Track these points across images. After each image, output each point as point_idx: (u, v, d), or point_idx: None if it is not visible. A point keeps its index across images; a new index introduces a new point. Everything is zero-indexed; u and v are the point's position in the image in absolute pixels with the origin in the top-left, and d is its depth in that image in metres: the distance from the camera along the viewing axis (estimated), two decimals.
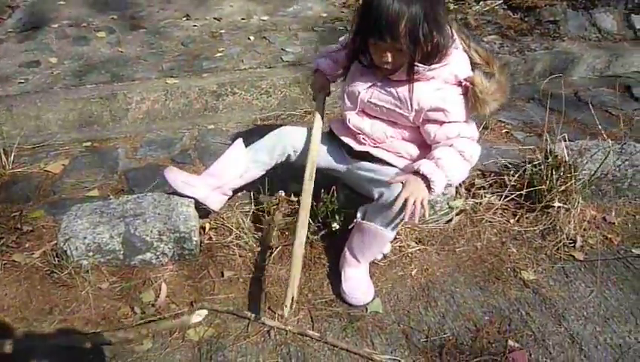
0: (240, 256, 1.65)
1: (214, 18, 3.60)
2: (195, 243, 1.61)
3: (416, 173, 1.38)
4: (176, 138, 2.34)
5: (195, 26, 3.46)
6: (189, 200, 1.67)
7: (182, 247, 1.60)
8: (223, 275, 1.60)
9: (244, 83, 2.75)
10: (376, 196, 1.43)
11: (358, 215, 1.52)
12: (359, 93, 1.52)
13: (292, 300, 1.34)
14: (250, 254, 1.66)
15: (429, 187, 1.37)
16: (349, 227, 1.55)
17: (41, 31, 3.29)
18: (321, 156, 1.63)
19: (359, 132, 1.57)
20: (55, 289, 1.51)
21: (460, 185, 1.90)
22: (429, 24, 1.29)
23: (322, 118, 1.68)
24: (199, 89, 2.70)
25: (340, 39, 1.73)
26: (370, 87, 1.50)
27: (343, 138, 1.62)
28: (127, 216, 1.60)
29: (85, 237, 1.52)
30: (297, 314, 1.48)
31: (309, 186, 1.52)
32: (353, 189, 1.68)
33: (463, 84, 1.45)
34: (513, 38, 3.48)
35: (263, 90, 2.76)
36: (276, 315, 1.47)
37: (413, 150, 1.54)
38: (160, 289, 1.52)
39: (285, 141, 1.68)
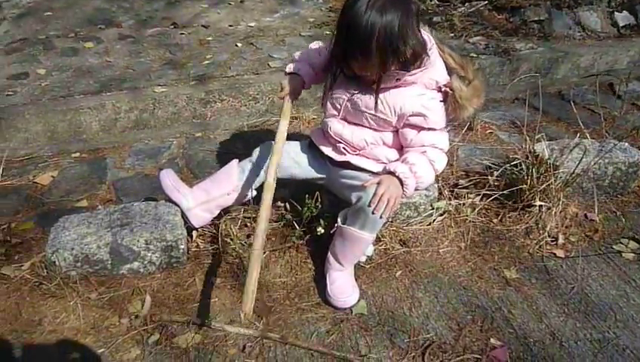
0: (227, 263, 1.68)
1: (202, 26, 3.63)
2: (182, 251, 1.63)
3: (391, 173, 1.44)
4: (164, 147, 2.36)
5: (182, 34, 3.49)
6: (176, 209, 1.69)
7: (169, 256, 1.63)
8: (211, 283, 1.62)
9: (232, 90, 2.78)
10: (354, 200, 1.47)
11: (339, 219, 1.55)
12: (343, 100, 1.55)
13: (250, 301, 1.34)
14: (237, 261, 1.68)
15: (402, 189, 1.44)
16: (331, 231, 1.58)
17: (28, 43, 3.31)
18: (302, 167, 1.68)
19: (339, 140, 1.59)
20: (44, 300, 1.53)
21: (443, 186, 1.94)
22: (403, 35, 1.31)
23: (287, 120, 1.62)
24: (187, 97, 2.73)
25: (314, 46, 1.72)
26: (353, 94, 1.53)
27: (322, 148, 1.65)
28: (115, 226, 1.62)
29: (73, 248, 1.54)
30: (283, 317, 1.50)
31: (271, 185, 1.47)
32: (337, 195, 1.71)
33: (443, 89, 1.48)
34: (498, 38, 3.52)
35: (251, 96, 2.79)
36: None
37: (393, 155, 1.58)
38: (145, 300, 1.54)
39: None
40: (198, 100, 2.75)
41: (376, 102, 1.48)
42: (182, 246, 1.62)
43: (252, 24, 3.64)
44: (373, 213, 1.41)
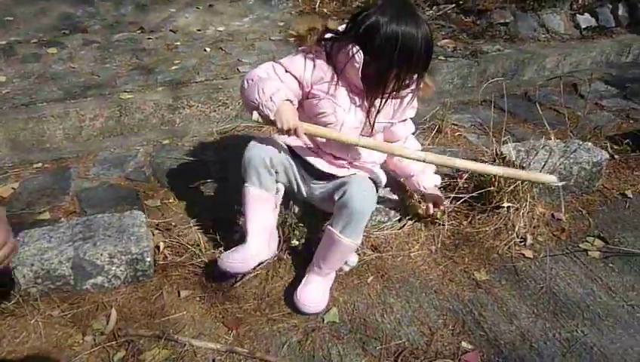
0: (196, 275, 1.64)
1: (170, 30, 3.57)
2: (148, 263, 1.59)
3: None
4: (130, 155, 2.30)
5: (149, 38, 3.42)
6: (141, 220, 1.65)
7: (135, 269, 1.58)
8: (179, 295, 1.58)
9: (201, 95, 2.73)
10: (337, 197, 1.50)
11: (329, 223, 1.54)
12: (360, 116, 1.55)
13: None
14: (207, 272, 1.64)
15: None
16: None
17: None
18: (288, 173, 1.61)
19: (339, 155, 1.60)
20: (3, 319, 1.46)
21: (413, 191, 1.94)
22: None
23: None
24: (155, 103, 2.67)
25: (279, 71, 1.50)
26: (363, 107, 1.55)
27: (317, 165, 1.59)
28: (77, 239, 1.56)
29: (33, 264, 1.48)
30: (254, 330, 1.47)
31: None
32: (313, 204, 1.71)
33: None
34: (466, 41, 3.57)
35: (221, 101, 2.75)
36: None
37: (377, 155, 1.67)
38: (111, 315, 1.49)
39: (262, 153, 1.53)
40: (166, 106, 2.70)
41: (389, 110, 1.58)
42: (148, 259, 1.58)
43: (221, 28, 3.59)
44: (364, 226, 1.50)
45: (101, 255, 1.53)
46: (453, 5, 3.92)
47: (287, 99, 1.43)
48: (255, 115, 1.45)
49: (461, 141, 2.41)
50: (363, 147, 1.56)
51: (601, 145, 2.35)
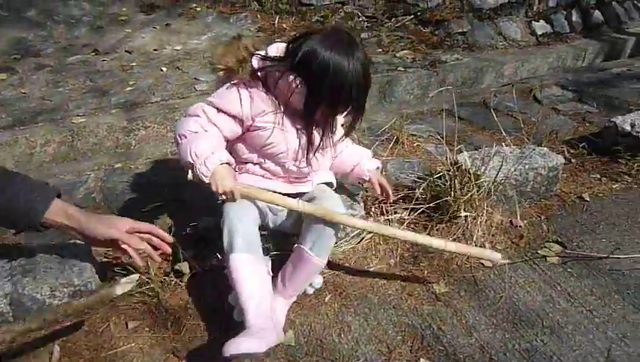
0: (145, 304, 1.57)
1: (126, 51, 3.50)
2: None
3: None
4: (80, 181, 2.22)
5: (104, 60, 3.35)
6: (86, 249, 1.57)
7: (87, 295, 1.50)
8: (127, 326, 1.51)
9: (156, 116, 2.67)
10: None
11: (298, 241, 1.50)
12: (314, 137, 1.52)
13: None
14: (155, 301, 1.57)
15: None
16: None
17: None
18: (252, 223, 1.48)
19: (302, 176, 1.59)
20: None
21: (372, 203, 1.91)
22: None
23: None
24: (108, 126, 2.61)
25: (212, 115, 1.44)
26: (319, 131, 1.52)
27: (271, 185, 1.53)
28: (15, 273, 1.47)
29: None
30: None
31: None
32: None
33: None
34: (425, 51, 3.60)
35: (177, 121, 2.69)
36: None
37: (328, 159, 1.68)
38: (54, 351, 1.41)
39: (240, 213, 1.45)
40: (120, 129, 2.63)
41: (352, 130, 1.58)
42: (93, 289, 1.50)
43: (178, 47, 3.55)
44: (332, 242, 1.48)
45: (41, 288, 1.45)
46: (412, 17, 3.96)
47: (223, 162, 1.39)
48: (190, 175, 1.43)
49: (419, 151, 2.40)
50: (302, 211, 1.46)
51: (558, 149, 2.38)
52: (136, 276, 1.38)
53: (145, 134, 2.66)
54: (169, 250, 1.42)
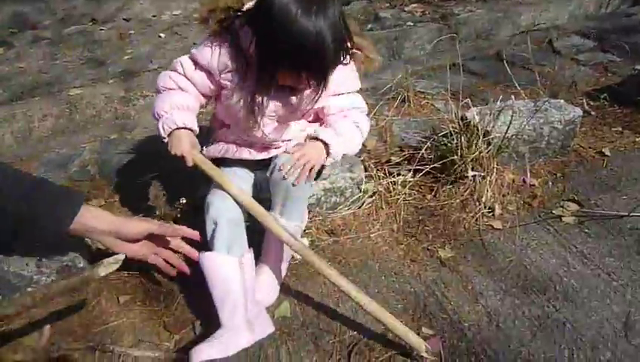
0: (137, 277, 1.52)
1: (123, 19, 3.40)
2: (81, 269, 1.46)
3: (314, 138, 1.36)
4: (76, 154, 2.16)
5: (102, 29, 3.26)
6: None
7: (67, 277, 1.45)
8: (118, 301, 1.46)
9: (154, 84, 2.58)
10: (268, 174, 1.37)
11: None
12: (277, 105, 1.35)
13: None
14: (147, 274, 1.52)
15: (327, 153, 1.34)
16: None
17: None
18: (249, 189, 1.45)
19: (272, 142, 1.44)
20: None
21: (374, 164, 1.81)
22: (345, 39, 1.21)
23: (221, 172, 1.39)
24: (106, 97, 2.53)
25: (188, 70, 1.35)
26: (287, 97, 1.35)
27: (244, 154, 1.45)
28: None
29: None
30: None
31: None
32: None
33: (351, 52, 1.34)
34: (436, 4, 3.40)
35: None
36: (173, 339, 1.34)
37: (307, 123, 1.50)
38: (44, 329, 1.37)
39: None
40: (118, 99, 2.56)
41: (317, 99, 1.31)
42: (80, 265, 1.45)
43: (177, 12, 3.43)
44: (284, 178, 1.30)
45: (27, 265, 1.40)
46: None
47: (179, 127, 1.33)
48: None
49: (427, 109, 2.27)
50: (240, 202, 1.33)
51: (576, 101, 2.22)
52: (121, 256, 1.31)
53: (144, 104, 2.58)
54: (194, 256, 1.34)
